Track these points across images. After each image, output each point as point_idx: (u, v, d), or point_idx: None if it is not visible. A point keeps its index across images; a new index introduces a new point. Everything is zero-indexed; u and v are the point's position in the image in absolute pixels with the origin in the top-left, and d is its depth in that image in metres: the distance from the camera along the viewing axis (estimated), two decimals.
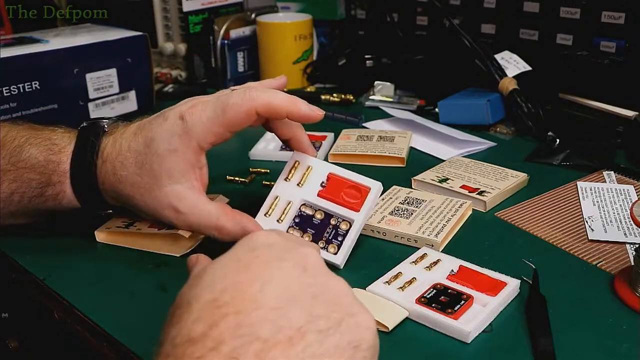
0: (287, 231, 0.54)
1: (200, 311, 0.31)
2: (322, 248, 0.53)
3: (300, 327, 0.31)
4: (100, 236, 0.57)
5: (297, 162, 0.56)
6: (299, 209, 0.55)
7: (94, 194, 0.54)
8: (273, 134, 0.56)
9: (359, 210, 0.53)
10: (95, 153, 0.53)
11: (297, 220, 0.54)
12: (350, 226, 0.53)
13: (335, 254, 0.52)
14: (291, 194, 0.55)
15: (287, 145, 0.57)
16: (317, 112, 0.53)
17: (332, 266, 0.51)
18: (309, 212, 0.54)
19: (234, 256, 0.36)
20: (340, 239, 0.53)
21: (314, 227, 0.54)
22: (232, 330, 0.30)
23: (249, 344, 0.30)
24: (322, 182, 0.55)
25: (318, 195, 0.55)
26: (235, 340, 0.30)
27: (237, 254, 0.36)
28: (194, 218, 0.52)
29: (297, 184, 0.55)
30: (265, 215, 0.54)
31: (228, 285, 0.32)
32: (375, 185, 0.54)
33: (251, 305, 0.31)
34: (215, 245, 0.50)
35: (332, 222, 0.54)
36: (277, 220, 0.54)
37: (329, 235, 0.53)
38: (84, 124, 0.56)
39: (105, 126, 0.55)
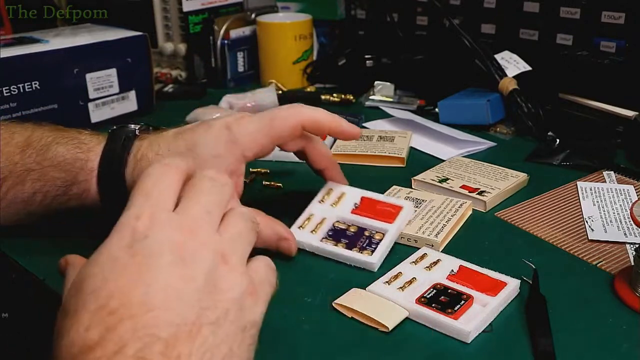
0: (321, 241, 0.54)
1: (91, 319, 0.31)
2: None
3: (194, 321, 0.32)
4: None
5: (330, 190, 0.58)
6: (333, 224, 0.56)
7: (119, 194, 0.53)
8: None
9: (392, 222, 0.55)
10: (127, 152, 0.53)
11: (330, 233, 0.55)
12: (384, 236, 0.54)
13: (370, 255, 0.53)
14: (325, 212, 0.57)
15: (321, 175, 0.60)
16: (356, 130, 0.57)
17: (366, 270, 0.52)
18: (343, 226, 0.56)
19: (110, 255, 0.34)
20: (374, 246, 0.53)
21: (348, 237, 0.55)
22: (132, 333, 0.30)
23: (152, 344, 0.30)
24: (356, 204, 0.57)
25: (351, 212, 0.57)
26: (137, 341, 0.30)
27: (112, 251, 0.34)
28: None
29: (331, 205, 0.57)
30: (299, 228, 0.56)
31: (112, 291, 0.32)
32: (408, 205, 0.57)
33: (142, 309, 0.31)
34: None
35: (366, 233, 0.55)
36: (311, 232, 0.55)
37: (363, 244, 0.54)
38: (115, 128, 0.56)
39: (137, 130, 0.56)
